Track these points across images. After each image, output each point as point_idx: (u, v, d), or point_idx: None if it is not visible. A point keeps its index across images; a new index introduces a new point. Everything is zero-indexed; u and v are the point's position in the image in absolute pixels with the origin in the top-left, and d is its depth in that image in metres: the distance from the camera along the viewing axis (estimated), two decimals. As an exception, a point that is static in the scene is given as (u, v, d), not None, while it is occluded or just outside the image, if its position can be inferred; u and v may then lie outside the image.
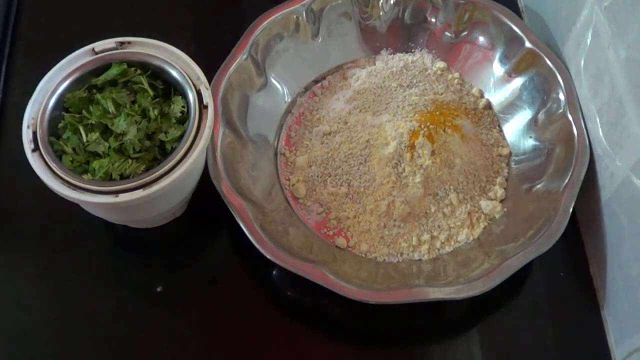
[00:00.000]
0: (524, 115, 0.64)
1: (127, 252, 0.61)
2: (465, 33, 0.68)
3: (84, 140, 0.54)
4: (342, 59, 0.69)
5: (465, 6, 0.67)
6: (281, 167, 0.64)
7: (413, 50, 0.70)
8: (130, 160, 0.54)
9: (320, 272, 0.53)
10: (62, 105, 0.55)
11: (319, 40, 0.68)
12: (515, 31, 0.64)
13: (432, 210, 0.59)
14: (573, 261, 0.60)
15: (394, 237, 0.59)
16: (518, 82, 0.65)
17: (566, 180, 0.57)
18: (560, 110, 0.60)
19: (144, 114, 0.56)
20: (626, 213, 0.53)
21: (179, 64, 0.56)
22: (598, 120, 0.57)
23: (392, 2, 0.69)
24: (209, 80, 0.57)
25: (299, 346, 0.56)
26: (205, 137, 0.53)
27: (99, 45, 0.57)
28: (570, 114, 0.59)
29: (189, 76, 0.56)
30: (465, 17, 0.67)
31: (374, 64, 0.69)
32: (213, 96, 0.57)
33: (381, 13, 0.69)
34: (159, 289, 0.59)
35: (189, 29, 0.74)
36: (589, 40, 0.58)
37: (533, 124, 0.63)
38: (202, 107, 0.55)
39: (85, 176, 0.52)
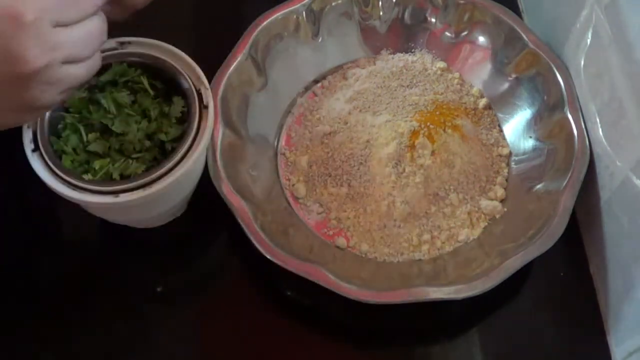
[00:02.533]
0: (524, 115, 0.64)
1: (127, 252, 0.61)
2: (465, 33, 0.68)
3: (84, 140, 0.54)
4: (342, 59, 0.69)
5: (465, 6, 0.67)
6: (281, 167, 0.64)
7: (413, 50, 0.70)
8: (130, 160, 0.54)
9: (320, 272, 0.53)
10: (62, 105, 0.55)
11: (319, 40, 0.68)
12: (515, 31, 0.64)
13: (432, 210, 0.59)
14: (573, 261, 0.60)
15: (394, 237, 0.59)
16: (518, 82, 0.64)
17: (566, 180, 0.57)
18: (560, 110, 0.60)
19: (144, 114, 0.56)
20: (626, 213, 0.53)
21: (179, 64, 0.56)
22: (598, 120, 0.57)
23: (392, 2, 0.69)
24: (209, 80, 0.57)
25: (299, 346, 0.56)
26: (205, 137, 0.53)
27: (99, 45, 0.57)
28: (570, 114, 0.59)
29: (189, 76, 0.56)
30: (465, 17, 0.67)
31: (374, 64, 0.69)
32: (213, 96, 0.57)
33: (381, 13, 0.69)
34: (158, 289, 0.59)
35: (189, 29, 0.74)
36: (589, 40, 0.58)
37: (533, 124, 0.63)
38: (202, 107, 0.55)
39: (85, 176, 0.52)
